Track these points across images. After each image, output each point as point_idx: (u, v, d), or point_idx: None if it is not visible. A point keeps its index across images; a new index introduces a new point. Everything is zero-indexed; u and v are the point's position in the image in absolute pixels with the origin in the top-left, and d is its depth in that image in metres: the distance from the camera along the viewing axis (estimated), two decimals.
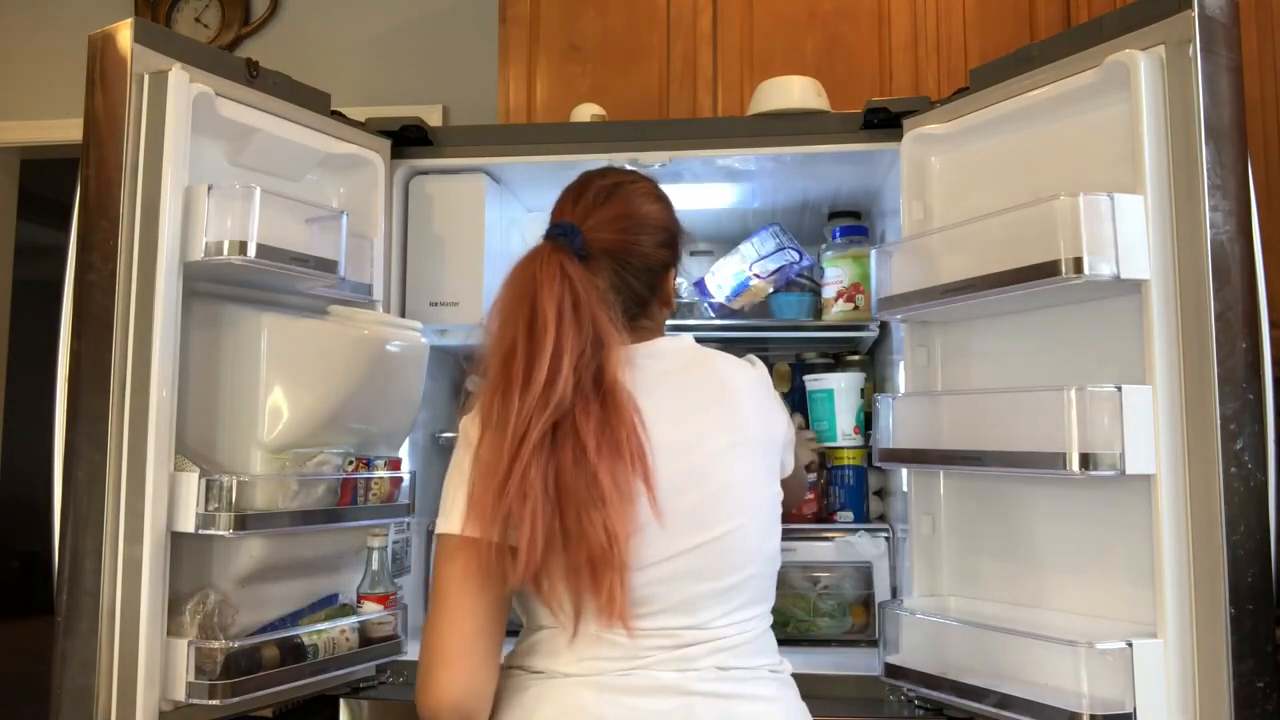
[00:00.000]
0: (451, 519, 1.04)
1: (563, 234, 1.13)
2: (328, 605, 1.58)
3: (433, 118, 2.88)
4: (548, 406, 1.01)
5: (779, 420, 1.22)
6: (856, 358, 2.08)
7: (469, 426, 1.08)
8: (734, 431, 1.11)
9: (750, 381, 1.19)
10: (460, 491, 1.04)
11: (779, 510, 1.17)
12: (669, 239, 1.21)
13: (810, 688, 1.52)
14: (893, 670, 1.44)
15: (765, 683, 1.09)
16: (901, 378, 1.65)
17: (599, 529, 0.98)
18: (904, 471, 1.64)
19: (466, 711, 1.01)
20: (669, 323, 1.92)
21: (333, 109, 1.64)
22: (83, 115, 1.34)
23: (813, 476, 1.97)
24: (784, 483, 1.23)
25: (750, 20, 2.32)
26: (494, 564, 1.01)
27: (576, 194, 1.20)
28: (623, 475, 1.01)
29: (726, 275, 1.99)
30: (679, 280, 2.08)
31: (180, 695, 1.30)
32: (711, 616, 1.06)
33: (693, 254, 2.25)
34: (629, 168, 1.27)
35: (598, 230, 1.14)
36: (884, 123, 1.63)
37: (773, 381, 2.09)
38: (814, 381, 1.90)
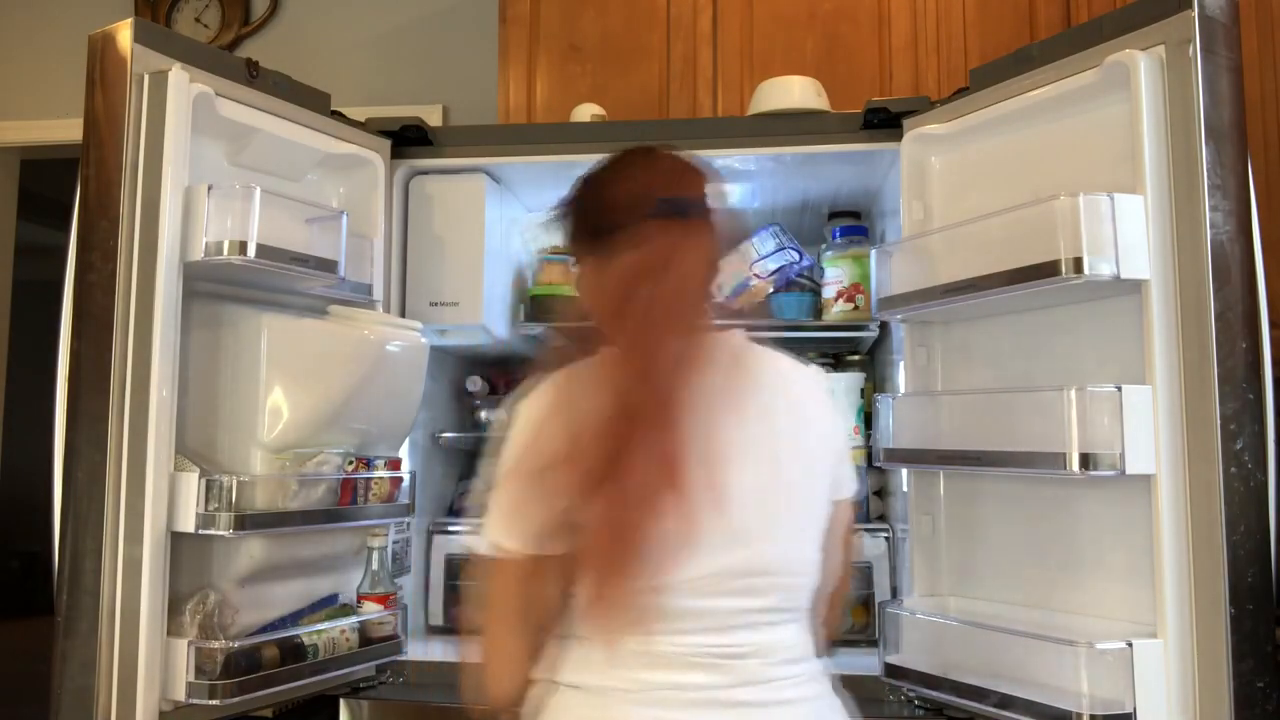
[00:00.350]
0: (499, 531, 1.00)
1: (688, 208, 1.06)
2: (328, 605, 1.59)
3: (433, 118, 2.88)
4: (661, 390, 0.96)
5: (834, 428, 1.12)
6: (856, 358, 2.08)
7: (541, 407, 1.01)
8: (781, 440, 1.04)
9: (805, 383, 1.11)
10: (510, 498, 1.00)
11: (824, 523, 1.07)
12: None
13: None
14: (893, 670, 1.44)
15: (805, 684, 1.04)
16: (901, 378, 1.65)
17: (641, 537, 0.94)
18: (904, 471, 1.64)
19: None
20: None
21: (333, 109, 1.64)
22: (83, 115, 1.34)
23: None
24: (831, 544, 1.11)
25: (750, 20, 2.32)
26: (545, 574, 0.99)
27: (665, 165, 1.12)
28: (686, 481, 0.95)
29: (726, 275, 1.99)
30: None
31: (180, 695, 1.30)
32: (753, 630, 1.00)
33: None
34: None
35: (705, 204, 1.08)
36: (884, 123, 1.63)
37: None
38: None
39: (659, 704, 0.97)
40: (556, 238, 1.13)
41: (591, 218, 1.10)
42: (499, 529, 1.00)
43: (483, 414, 2.02)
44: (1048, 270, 1.25)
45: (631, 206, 1.06)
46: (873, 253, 1.59)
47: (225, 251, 1.35)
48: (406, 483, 1.64)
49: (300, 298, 1.58)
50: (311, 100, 1.59)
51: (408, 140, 1.77)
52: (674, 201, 1.05)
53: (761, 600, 1.01)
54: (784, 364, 1.11)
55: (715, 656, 0.98)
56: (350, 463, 1.52)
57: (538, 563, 0.98)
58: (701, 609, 0.98)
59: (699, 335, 1.02)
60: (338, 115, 1.65)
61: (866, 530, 1.79)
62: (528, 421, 1.02)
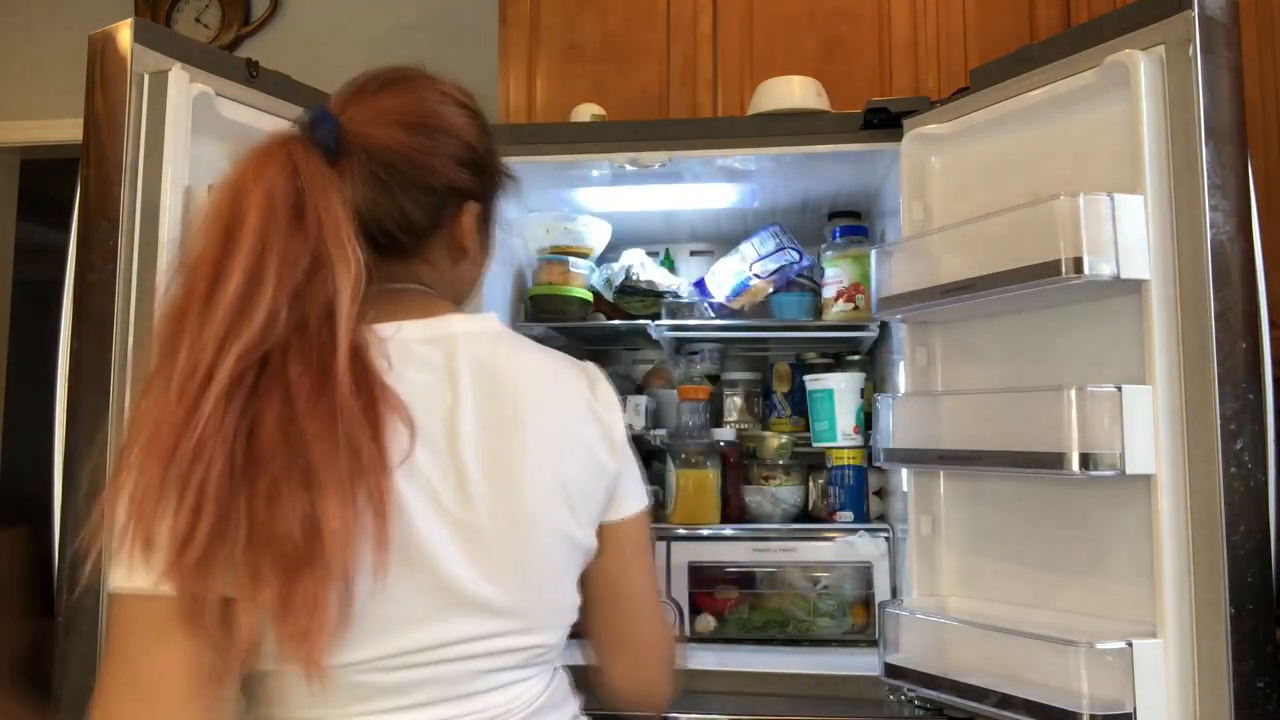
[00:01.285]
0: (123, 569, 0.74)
1: (311, 124, 0.83)
2: None
3: None
4: (241, 336, 0.72)
5: (600, 437, 0.93)
6: (856, 358, 2.08)
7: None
8: (521, 463, 0.85)
9: (559, 382, 0.91)
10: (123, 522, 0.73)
11: (583, 555, 0.94)
12: (473, 160, 0.92)
13: (810, 688, 1.54)
14: (893, 670, 1.44)
15: None
16: (901, 378, 1.65)
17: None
18: (904, 471, 1.64)
19: None
20: (670, 323, 1.94)
21: None
22: (83, 115, 1.34)
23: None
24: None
25: (750, 20, 2.32)
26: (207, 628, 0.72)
27: (351, 84, 0.90)
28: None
29: (726, 275, 1.99)
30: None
31: None
32: (484, 695, 0.87)
33: (693, 254, 2.26)
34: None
35: (364, 123, 0.85)
36: (884, 123, 1.63)
37: (773, 381, 2.12)
38: (814, 381, 1.90)
39: None
40: None
41: None
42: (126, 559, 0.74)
43: None
44: (1048, 270, 1.25)
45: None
46: (873, 253, 1.59)
47: None
48: None
49: None
50: (311, 100, 1.59)
51: None
52: (310, 113, 0.83)
53: (499, 660, 0.85)
54: (532, 359, 0.91)
55: None
56: None
57: (197, 607, 0.71)
58: (424, 679, 0.81)
59: (332, 262, 0.77)
60: None
61: (867, 530, 1.79)
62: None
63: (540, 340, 0.96)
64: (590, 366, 0.97)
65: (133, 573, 0.73)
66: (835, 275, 1.90)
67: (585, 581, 0.94)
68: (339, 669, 0.77)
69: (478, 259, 0.97)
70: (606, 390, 0.95)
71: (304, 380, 0.73)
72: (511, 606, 0.85)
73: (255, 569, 0.70)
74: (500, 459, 0.84)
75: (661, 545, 1.79)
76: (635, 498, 0.97)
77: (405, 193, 0.87)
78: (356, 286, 0.77)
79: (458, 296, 0.97)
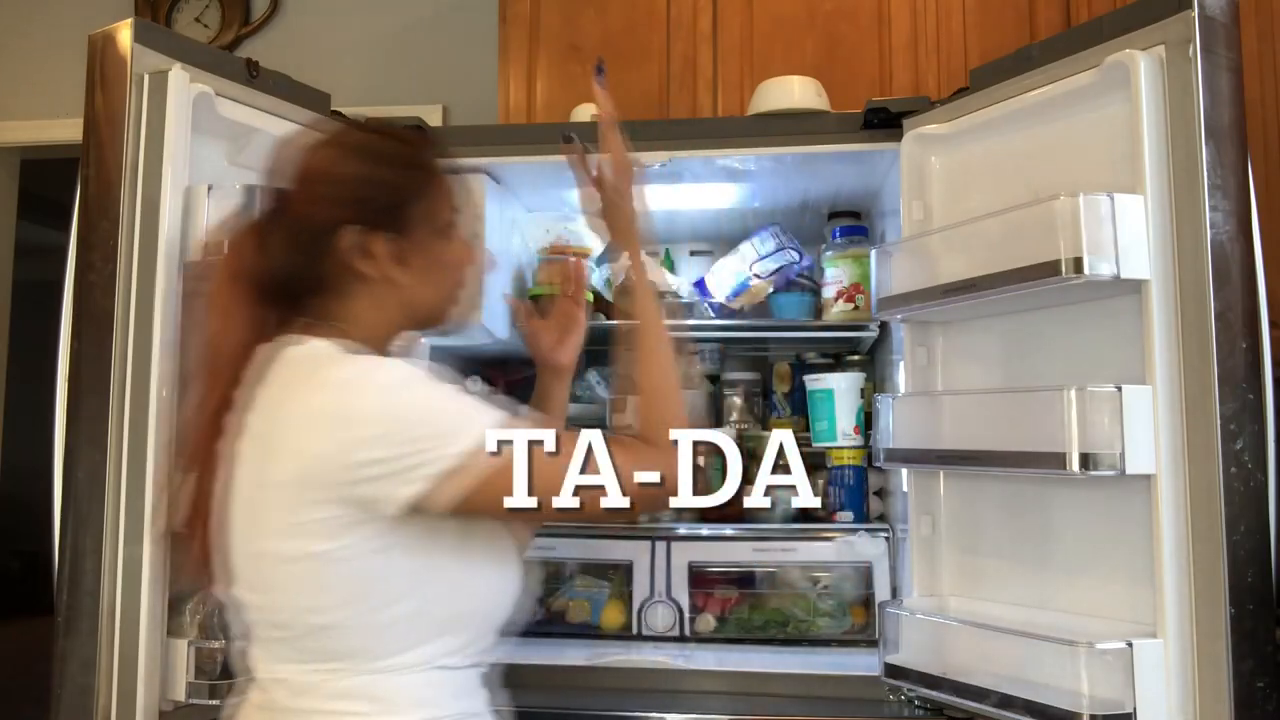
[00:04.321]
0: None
1: None
2: None
3: (433, 118, 2.88)
4: None
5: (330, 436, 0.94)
6: (856, 358, 2.08)
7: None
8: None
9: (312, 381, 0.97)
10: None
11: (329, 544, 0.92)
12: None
13: (810, 688, 1.53)
14: (893, 670, 1.44)
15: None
16: (901, 378, 1.65)
17: None
18: (904, 471, 1.64)
19: None
20: (669, 323, 1.93)
21: (333, 109, 1.64)
22: (83, 115, 1.34)
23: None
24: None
25: (750, 20, 2.32)
26: None
27: None
28: None
29: (726, 275, 1.99)
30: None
31: (180, 695, 1.30)
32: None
33: (693, 254, 2.26)
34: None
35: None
36: (884, 123, 1.63)
37: (773, 381, 2.12)
38: (814, 381, 1.90)
39: None
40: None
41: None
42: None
43: None
44: (1048, 270, 1.24)
45: None
46: (873, 253, 1.59)
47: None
48: None
49: None
50: (311, 100, 1.59)
51: None
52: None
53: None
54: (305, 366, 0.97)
55: None
56: None
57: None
58: None
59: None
60: (338, 115, 1.64)
61: (867, 530, 1.79)
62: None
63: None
64: None
65: None
66: (835, 275, 1.90)
67: None
68: None
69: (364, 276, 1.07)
70: None
71: None
72: None
73: None
74: None
75: (661, 545, 1.79)
76: None
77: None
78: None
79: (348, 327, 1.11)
